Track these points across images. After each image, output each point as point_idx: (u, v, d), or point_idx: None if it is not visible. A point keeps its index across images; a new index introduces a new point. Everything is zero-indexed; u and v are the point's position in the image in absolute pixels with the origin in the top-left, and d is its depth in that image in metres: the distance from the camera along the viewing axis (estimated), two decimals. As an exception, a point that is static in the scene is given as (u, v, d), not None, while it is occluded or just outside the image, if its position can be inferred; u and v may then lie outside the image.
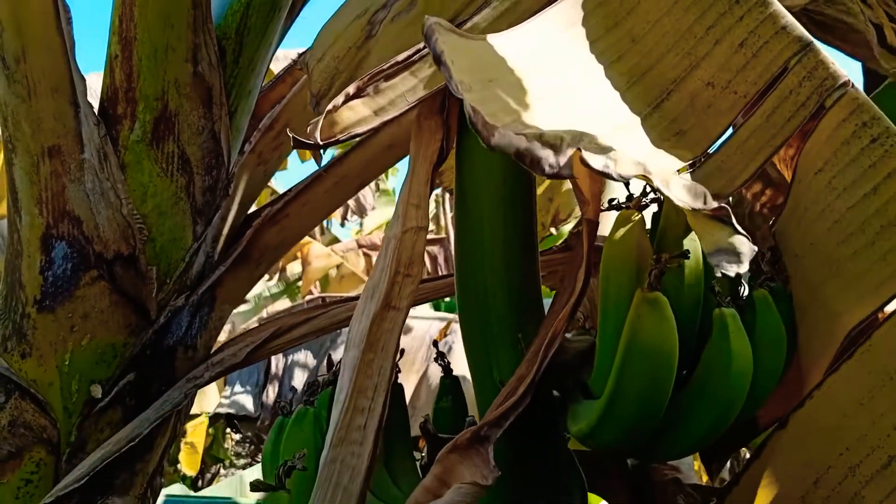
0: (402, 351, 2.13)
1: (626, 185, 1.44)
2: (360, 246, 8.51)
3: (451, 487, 1.43)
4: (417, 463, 1.86)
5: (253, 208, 2.37)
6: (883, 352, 1.35)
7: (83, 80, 1.88)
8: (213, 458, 10.10)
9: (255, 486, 1.46)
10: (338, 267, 8.42)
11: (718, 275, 1.36)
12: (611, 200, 1.42)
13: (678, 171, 1.30)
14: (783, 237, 1.47)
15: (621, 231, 1.35)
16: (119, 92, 1.90)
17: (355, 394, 1.55)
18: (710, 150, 1.39)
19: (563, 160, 1.13)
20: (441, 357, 2.00)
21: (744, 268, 1.03)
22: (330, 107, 1.66)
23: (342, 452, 1.54)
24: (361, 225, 11.08)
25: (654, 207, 1.50)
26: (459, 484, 1.40)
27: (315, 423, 1.62)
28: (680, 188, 1.16)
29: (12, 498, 1.96)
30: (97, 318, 1.96)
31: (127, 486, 2.09)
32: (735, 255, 1.06)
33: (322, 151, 2.05)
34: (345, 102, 1.69)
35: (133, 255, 1.94)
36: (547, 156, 1.13)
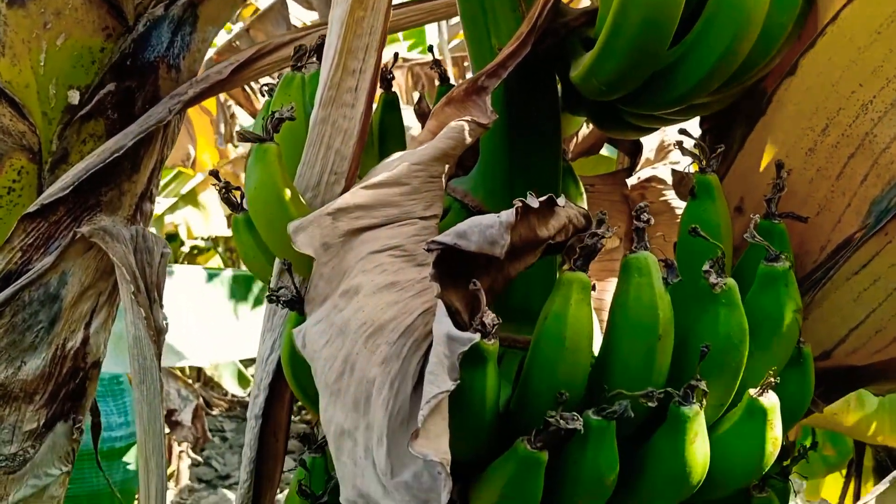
0: (396, 55, 2.04)
1: None
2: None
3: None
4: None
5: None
6: (907, -30, 1.26)
7: None
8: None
9: (242, 134, 1.40)
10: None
11: None
12: None
13: None
14: None
15: None
16: None
17: (345, 54, 1.47)
18: None
19: None
20: (437, 64, 1.92)
21: None
22: None
23: (333, 114, 1.48)
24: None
25: None
26: (455, 122, 1.34)
27: (303, 88, 1.54)
28: None
29: (-4, 207, 1.92)
30: (71, 17, 1.85)
31: (115, 205, 2.04)
32: None
33: None
34: None
35: (105, -54, 1.82)
36: None
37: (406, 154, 1.33)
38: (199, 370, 9.36)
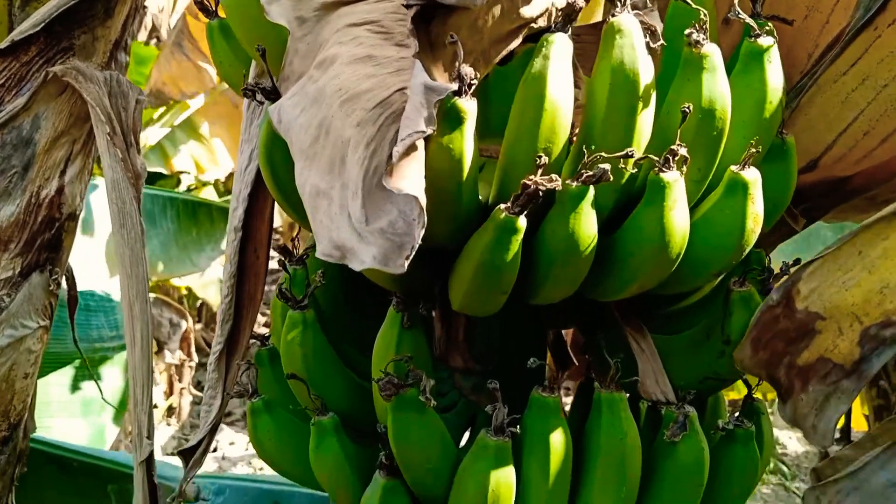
0: None
1: None
2: None
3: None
4: None
5: None
6: None
7: None
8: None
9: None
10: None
11: None
12: None
13: None
14: None
15: None
16: None
17: None
18: None
19: None
20: None
21: None
22: None
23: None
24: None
25: None
26: None
27: None
28: None
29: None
30: None
31: (89, 50, 1.99)
32: None
33: None
34: None
35: None
36: None
37: (383, -70, 1.29)
38: (200, 308, 9.32)
